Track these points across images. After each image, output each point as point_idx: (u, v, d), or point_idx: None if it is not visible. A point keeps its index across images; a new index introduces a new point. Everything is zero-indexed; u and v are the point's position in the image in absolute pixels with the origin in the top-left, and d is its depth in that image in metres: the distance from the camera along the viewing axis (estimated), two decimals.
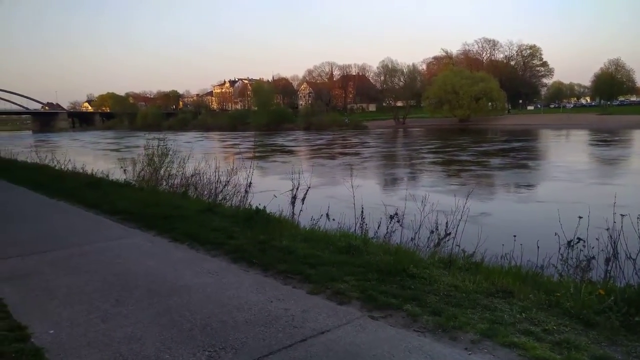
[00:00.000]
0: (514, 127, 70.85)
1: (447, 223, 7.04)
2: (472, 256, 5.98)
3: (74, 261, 5.87)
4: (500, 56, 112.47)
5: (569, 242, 5.78)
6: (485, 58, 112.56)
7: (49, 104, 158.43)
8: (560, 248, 5.79)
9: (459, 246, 6.47)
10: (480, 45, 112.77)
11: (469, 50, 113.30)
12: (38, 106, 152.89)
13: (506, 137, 52.65)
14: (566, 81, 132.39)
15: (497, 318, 3.88)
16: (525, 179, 21.94)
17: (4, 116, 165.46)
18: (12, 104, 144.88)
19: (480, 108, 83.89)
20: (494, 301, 4.26)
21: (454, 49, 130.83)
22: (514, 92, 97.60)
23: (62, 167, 17.17)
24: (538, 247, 5.81)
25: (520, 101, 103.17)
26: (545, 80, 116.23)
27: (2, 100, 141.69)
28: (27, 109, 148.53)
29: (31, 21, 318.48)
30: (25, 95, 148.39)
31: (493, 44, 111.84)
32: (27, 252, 6.31)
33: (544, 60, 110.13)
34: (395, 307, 4.20)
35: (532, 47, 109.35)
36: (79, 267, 5.63)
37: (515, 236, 6.28)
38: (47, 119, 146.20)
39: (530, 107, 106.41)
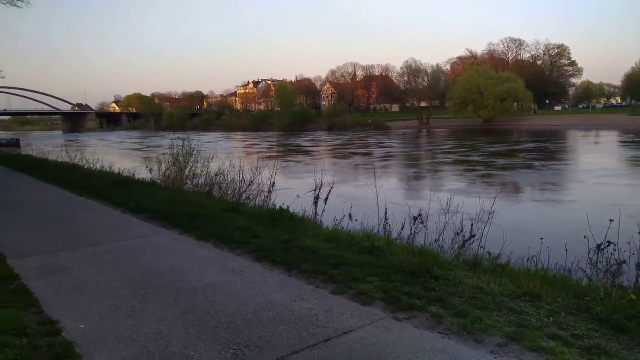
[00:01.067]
0: (541, 128, 69.42)
1: (472, 225, 6.94)
2: (497, 258, 5.89)
3: (103, 258, 6.01)
4: (526, 56, 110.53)
5: (598, 246, 5.63)
6: (510, 58, 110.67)
7: (79, 105, 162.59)
8: (589, 251, 5.65)
9: (483, 248, 6.38)
10: (505, 45, 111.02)
11: (494, 50, 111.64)
12: (68, 107, 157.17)
13: (532, 137, 51.65)
14: (595, 81, 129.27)
15: (523, 321, 3.82)
16: (552, 181, 21.48)
17: (36, 116, 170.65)
18: (44, 105, 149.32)
19: (505, 108, 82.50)
20: (520, 304, 4.19)
21: (479, 49, 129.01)
22: (541, 92, 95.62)
23: (91, 166, 17.59)
24: (566, 249, 5.68)
25: (547, 101, 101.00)
26: (573, 80, 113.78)
27: (35, 101, 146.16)
28: (57, 109, 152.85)
29: (65, 25, 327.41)
30: (56, 96, 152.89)
31: (519, 43, 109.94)
32: (58, 248, 6.48)
33: (572, 59, 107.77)
34: (420, 308, 4.17)
35: (559, 46, 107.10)
36: (107, 263, 5.76)
37: (542, 239, 6.16)
38: (76, 119, 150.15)
39: (557, 108, 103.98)
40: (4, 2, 19.53)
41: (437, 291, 4.52)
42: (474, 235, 6.91)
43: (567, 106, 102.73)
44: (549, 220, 13.00)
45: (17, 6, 19.91)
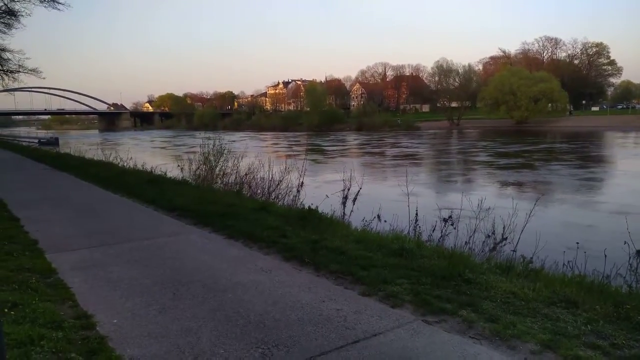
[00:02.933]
0: (576, 129, 67.36)
1: (504, 227, 6.78)
2: (531, 262, 5.73)
3: (135, 254, 6.13)
4: (562, 55, 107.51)
5: (638, 252, 5.42)
6: (546, 57, 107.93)
7: (114, 105, 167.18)
8: (629, 258, 5.44)
9: (515, 251, 6.22)
10: (541, 44, 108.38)
11: (529, 50, 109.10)
12: (104, 107, 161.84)
13: (566, 139, 50.18)
14: (636, 80, 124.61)
15: (559, 329, 3.69)
16: (587, 185, 20.81)
17: (74, 116, 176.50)
18: (82, 105, 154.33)
19: (539, 109, 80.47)
20: (555, 311, 4.06)
21: (512, 48, 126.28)
22: (577, 92, 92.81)
23: (125, 164, 18.03)
24: (605, 255, 5.48)
25: (584, 102, 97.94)
26: (612, 80, 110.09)
27: (73, 101, 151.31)
28: (94, 109, 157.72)
29: (102, 27, 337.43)
30: (93, 96, 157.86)
31: (555, 42, 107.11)
32: (93, 244, 6.66)
33: (611, 58, 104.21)
34: (450, 312, 4.09)
35: (598, 44, 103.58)
36: (139, 260, 5.88)
37: (578, 243, 5.97)
38: (111, 119, 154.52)
39: (594, 108, 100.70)
40: (46, 5, 20.23)
41: (468, 295, 4.43)
42: (505, 239, 6.75)
43: (605, 107, 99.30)
44: (586, 225, 12.59)
45: (58, 9, 20.61)
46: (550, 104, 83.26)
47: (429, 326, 3.88)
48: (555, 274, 5.37)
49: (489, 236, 6.85)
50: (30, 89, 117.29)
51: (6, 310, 3.87)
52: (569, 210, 15.17)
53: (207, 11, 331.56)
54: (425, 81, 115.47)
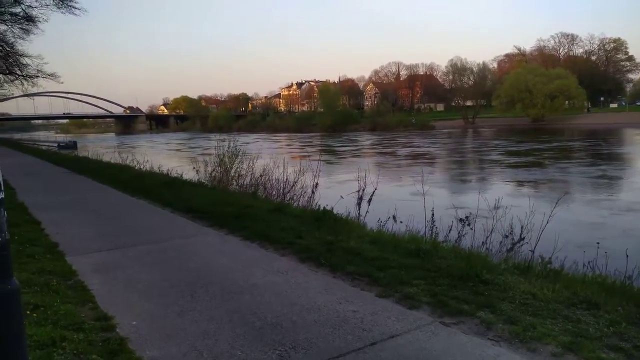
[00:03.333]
0: (594, 127, 66.27)
1: (522, 227, 6.70)
2: (549, 263, 5.65)
3: (153, 256, 6.20)
4: (579, 51, 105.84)
5: None
6: (562, 54, 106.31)
7: (130, 108, 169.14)
8: None
9: (533, 252, 6.14)
10: (557, 41, 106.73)
11: (544, 47, 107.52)
12: (120, 110, 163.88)
13: (583, 137, 49.41)
14: None
15: (581, 331, 3.63)
16: (608, 183, 20.46)
17: (91, 119, 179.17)
18: (99, 109, 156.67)
19: (555, 107, 79.30)
20: (576, 312, 4.00)
21: (528, 45, 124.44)
22: (595, 89, 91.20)
23: (141, 167, 18.24)
24: (627, 255, 5.38)
25: (602, 99, 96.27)
26: (631, 76, 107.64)
27: (90, 105, 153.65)
28: (111, 112, 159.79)
29: (118, 31, 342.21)
30: (109, 100, 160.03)
31: (571, 38, 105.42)
32: (111, 246, 6.75)
33: (629, 54, 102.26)
34: (468, 313, 4.05)
35: (616, 40, 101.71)
36: (157, 262, 5.94)
37: (598, 243, 5.88)
38: (127, 122, 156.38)
39: (613, 105, 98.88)
40: (63, 11, 20.52)
41: (486, 296, 4.38)
42: (523, 238, 6.67)
43: (623, 103, 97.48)
44: (606, 225, 12.37)
45: (75, 14, 20.89)
46: (567, 101, 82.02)
47: (447, 328, 3.84)
48: (575, 274, 5.29)
49: (506, 236, 6.78)
50: (49, 94, 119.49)
51: (28, 312, 3.94)
52: (588, 209, 14.92)
53: (221, 13, 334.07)
54: (440, 80, 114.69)
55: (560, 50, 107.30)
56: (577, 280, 4.83)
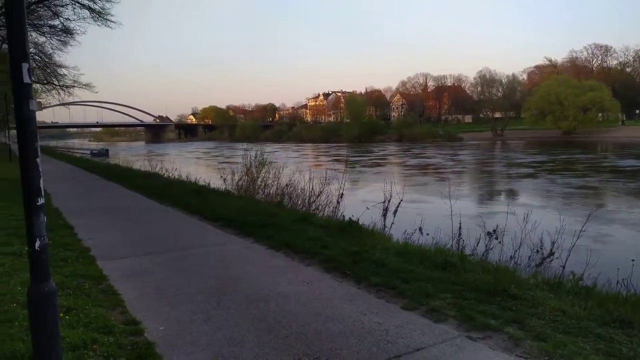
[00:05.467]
0: (629, 140, 64.24)
1: (552, 242, 6.55)
2: (581, 279, 5.51)
3: (181, 263, 6.31)
4: (613, 63, 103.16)
5: None
6: (595, 65, 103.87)
7: (160, 117, 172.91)
8: None
9: (563, 267, 5.99)
10: (590, 52, 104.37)
11: (577, 58, 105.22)
12: (150, 119, 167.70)
13: (617, 150, 47.96)
14: None
15: (613, 350, 3.53)
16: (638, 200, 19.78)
17: (122, 128, 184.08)
18: (130, 118, 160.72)
19: (588, 119, 77.19)
20: (609, 331, 3.88)
21: (559, 57, 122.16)
22: (630, 101, 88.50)
23: (170, 175, 18.61)
24: None
25: (638, 111, 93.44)
26: None
27: (122, 114, 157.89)
28: (141, 121, 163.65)
29: (148, 42, 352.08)
30: (140, 109, 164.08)
31: (605, 49, 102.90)
32: (141, 252, 6.90)
33: None
34: (495, 328, 3.98)
35: None
36: (184, 269, 6.04)
37: (633, 260, 5.69)
38: (157, 131, 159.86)
39: None
40: (99, 23, 21.27)
41: (515, 311, 4.30)
42: (553, 253, 6.52)
43: None
44: None
45: (110, 27, 21.62)
46: (600, 114, 79.87)
47: (474, 342, 3.79)
48: (608, 292, 5.14)
49: (537, 251, 6.65)
50: (83, 103, 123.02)
51: (62, 314, 4.06)
52: (621, 225, 14.46)
53: (251, 25, 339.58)
54: (468, 91, 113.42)
55: (594, 62, 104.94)
56: (610, 298, 4.69)
